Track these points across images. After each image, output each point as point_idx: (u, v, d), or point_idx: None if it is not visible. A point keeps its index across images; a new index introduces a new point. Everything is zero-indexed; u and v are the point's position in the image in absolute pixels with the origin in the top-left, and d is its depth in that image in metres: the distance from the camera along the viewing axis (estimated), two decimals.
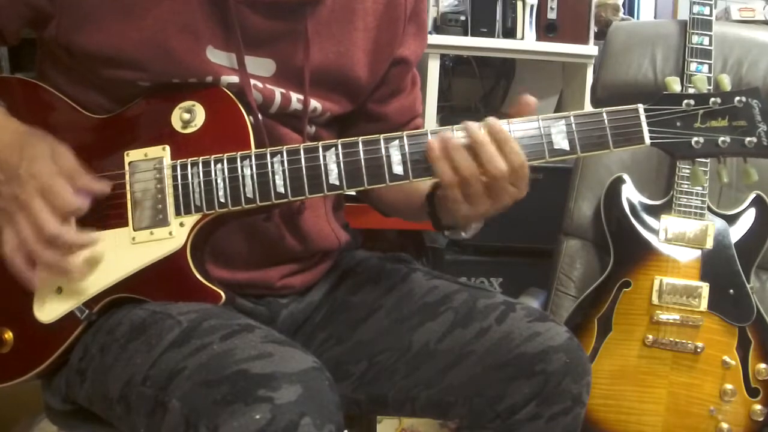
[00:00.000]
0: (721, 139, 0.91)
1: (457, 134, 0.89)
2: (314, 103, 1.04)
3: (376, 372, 1.06)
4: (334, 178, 0.92)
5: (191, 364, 0.80)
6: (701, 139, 0.91)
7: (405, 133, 0.92)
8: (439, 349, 1.03)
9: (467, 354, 1.01)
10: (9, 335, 0.95)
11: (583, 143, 0.91)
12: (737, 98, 0.91)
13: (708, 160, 1.49)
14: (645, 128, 0.91)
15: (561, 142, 0.91)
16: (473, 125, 0.89)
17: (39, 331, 0.94)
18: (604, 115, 0.91)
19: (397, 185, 1.09)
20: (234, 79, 0.97)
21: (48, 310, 0.93)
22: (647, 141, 0.91)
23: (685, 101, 0.91)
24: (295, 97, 1.02)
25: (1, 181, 0.88)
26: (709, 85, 1.45)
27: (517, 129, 0.90)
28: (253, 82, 0.98)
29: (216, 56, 0.96)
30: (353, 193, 1.06)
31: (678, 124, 0.91)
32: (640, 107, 0.91)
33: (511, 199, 0.91)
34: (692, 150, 0.92)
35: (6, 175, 0.88)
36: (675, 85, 0.92)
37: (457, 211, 0.92)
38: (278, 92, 1.00)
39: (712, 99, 0.91)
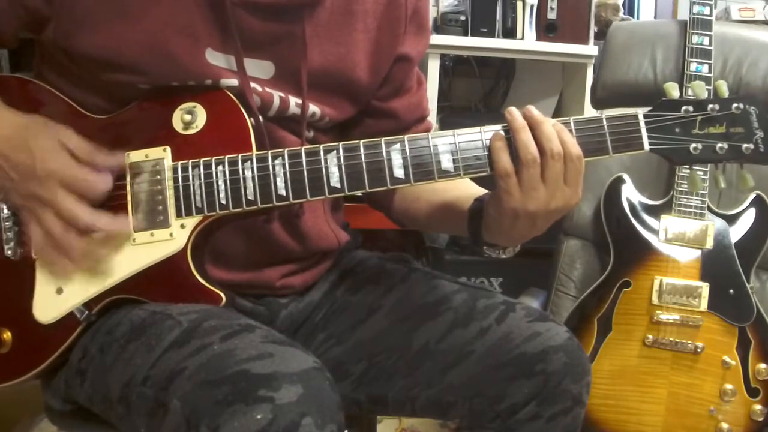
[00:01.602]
0: (719, 145, 0.92)
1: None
2: (313, 108, 1.03)
3: (375, 372, 1.06)
4: (335, 181, 0.92)
5: (192, 365, 0.80)
6: (699, 146, 0.92)
7: (406, 136, 0.92)
8: (439, 349, 1.03)
9: (467, 354, 1.01)
10: (8, 335, 0.95)
11: (583, 148, 0.91)
12: (735, 105, 0.92)
13: (708, 167, 1.49)
14: (644, 134, 0.92)
15: None
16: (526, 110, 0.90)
17: (38, 331, 0.94)
18: (604, 120, 0.91)
19: (429, 196, 1.10)
20: (233, 81, 0.96)
21: (47, 311, 0.93)
22: (646, 147, 0.92)
23: (684, 107, 0.92)
24: (294, 101, 1.02)
25: (16, 180, 0.88)
26: (709, 85, 1.46)
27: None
28: (252, 84, 0.97)
29: (215, 58, 0.96)
30: (359, 195, 1.06)
31: (677, 130, 0.92)
32: (640, 113, 0.92)
33: (564, 200, 0.90)
34: (690, 156, 0.92)
35: (20, 174, 0.88)
36: (674, 91, 0.93)
37: (508, 210, 0.90)
38: (277, 96, 1.00)
39: (710, 105, 0.92)
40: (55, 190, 0.87)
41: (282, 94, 1.00)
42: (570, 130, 0.91)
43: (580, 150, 0.89)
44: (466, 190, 1.05)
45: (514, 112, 0.90)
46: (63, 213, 0.87)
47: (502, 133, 0.90)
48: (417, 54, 1.13)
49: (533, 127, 0.89)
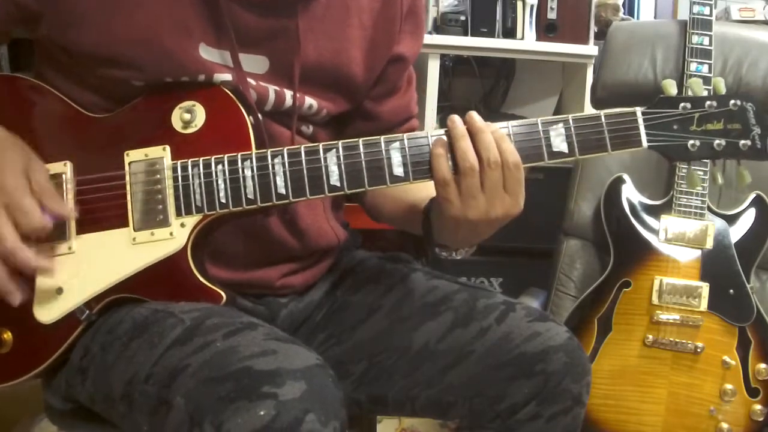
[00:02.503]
0: (717, 142, 0.92)
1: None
2: (310, 101, 1.04)
3: (376, 372, 1.06)
4: (335, 180, 0.92)
5: (195, 362, 0.80)
6: (697, 142, 0.92)
7: (405, 135, 0.92)
8: (439, 349, 1.03)
9: (467, 354, 1.01)
10: (8, 335, 0.95)
11: (581, 146, 0.91)
12: (732, 101, 0.92)
13: (707, 165, 1.49)
14: (642, 131, 0.92)
15: (560, 145, 0.92)
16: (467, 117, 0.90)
17: (38, 331, 0.93)
18: (603, 118, 0.92)
19: (399, 195, 1.10)
20: (227, 76, 0.96)
21: (48, 311, 0.93)
22: (645, 144, 0.92)
23: (682, 104, 0.92)
24: (289, 95, 1.02)
25: None
26: (708, 85, 1.46)
27: (517, 131, 0.91)
28: (247, 79, 0.97)
29: (209, 54, 0.96)
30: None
31: (675, 127, 0.92)
32: (638, 110, 0.92)
33: (504, 209, 0.90)
34: (688, 153, 0.93)
35: None
36: (672, 88, 0.93)
37: (449, 218, 0.91)
38: (272, 89, 1.00)
39: (708, 102, 0.92)
40: None
41: (277, 88, 1.00)
42: (569, 128, 0.91)
43: (518, 158, 0.89)
44: (428, 190, 1.05)
45: (455, 120, 0.90)
46: None
47: (445, 139, 0.91)
48: (412, 54, 1.13)
49: (473, 135, 0.89)
